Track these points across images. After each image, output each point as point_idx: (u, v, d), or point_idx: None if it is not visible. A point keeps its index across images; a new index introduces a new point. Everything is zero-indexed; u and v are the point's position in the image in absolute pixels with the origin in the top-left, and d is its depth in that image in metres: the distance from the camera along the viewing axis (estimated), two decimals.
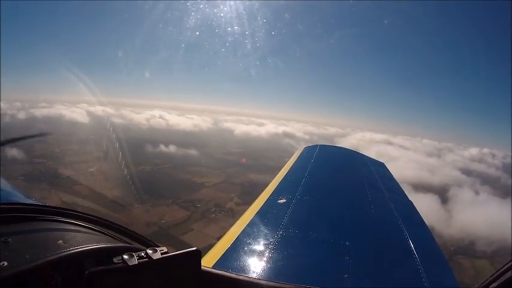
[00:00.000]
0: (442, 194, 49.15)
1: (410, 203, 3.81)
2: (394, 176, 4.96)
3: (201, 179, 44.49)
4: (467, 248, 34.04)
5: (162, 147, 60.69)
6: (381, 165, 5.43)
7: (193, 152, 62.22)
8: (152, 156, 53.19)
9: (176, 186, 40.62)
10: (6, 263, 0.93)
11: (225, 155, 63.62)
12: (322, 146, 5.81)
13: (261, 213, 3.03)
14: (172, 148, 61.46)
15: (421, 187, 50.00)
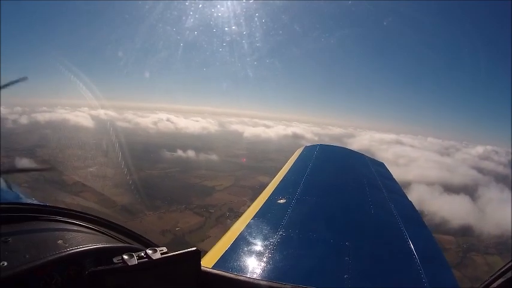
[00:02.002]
0: (471, 193, 49.57)
1: (410, 203, 3.81)
2: (394, 176, 4.95)
3: (211, 182, 43.82)
4: (479, 245, 34.11)
5: (171, 151, 60.09)
6: (381, 165, 5.43)
7: (201, 155, 61.55)
8: (161, 160, 52.36)
9: (187, 191, 39.85)
10: (6, 263, 0.93)
11: (234, 158, 62.86)
12: (322, 146, 5.80)
13: (260, 214, 3.03)
14: (180, 151, 60.89)
15: (450, 188, 50.49)
